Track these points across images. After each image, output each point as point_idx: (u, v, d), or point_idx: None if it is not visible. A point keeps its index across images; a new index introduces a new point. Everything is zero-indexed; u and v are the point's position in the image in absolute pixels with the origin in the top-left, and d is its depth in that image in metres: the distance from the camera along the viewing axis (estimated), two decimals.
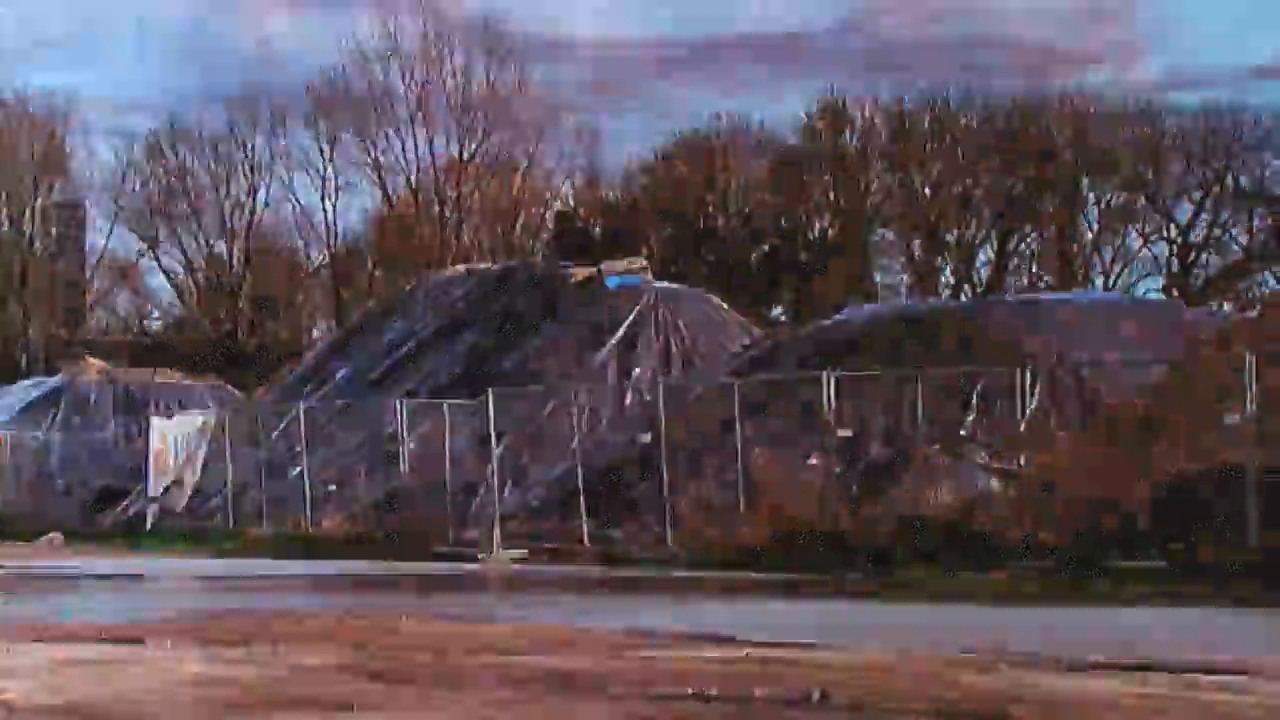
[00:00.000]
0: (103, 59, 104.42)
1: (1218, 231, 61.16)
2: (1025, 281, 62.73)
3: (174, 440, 45.17)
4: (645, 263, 46.28)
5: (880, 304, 43.41)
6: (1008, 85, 66.35)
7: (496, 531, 34.79)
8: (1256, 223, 60.54)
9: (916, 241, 65.45)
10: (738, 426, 32.39)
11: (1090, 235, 63.76)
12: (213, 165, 76.09)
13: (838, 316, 39.78)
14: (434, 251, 66.30)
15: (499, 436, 36.34)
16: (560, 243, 67.93)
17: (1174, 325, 34.56)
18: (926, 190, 65.07)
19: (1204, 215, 60.99)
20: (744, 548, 29.72)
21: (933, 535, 27.71)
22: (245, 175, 76.00)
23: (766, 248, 65.69)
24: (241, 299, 75.47)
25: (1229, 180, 60.42)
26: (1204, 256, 61.37)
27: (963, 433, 31.76)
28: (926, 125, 65.19)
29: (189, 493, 44.43)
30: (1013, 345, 32.77)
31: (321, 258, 77.09)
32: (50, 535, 43.70)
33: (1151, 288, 61.48)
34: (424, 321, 47.34)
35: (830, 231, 66.24)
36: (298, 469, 41.20)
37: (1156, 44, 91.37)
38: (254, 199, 76.30)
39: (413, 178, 72.93)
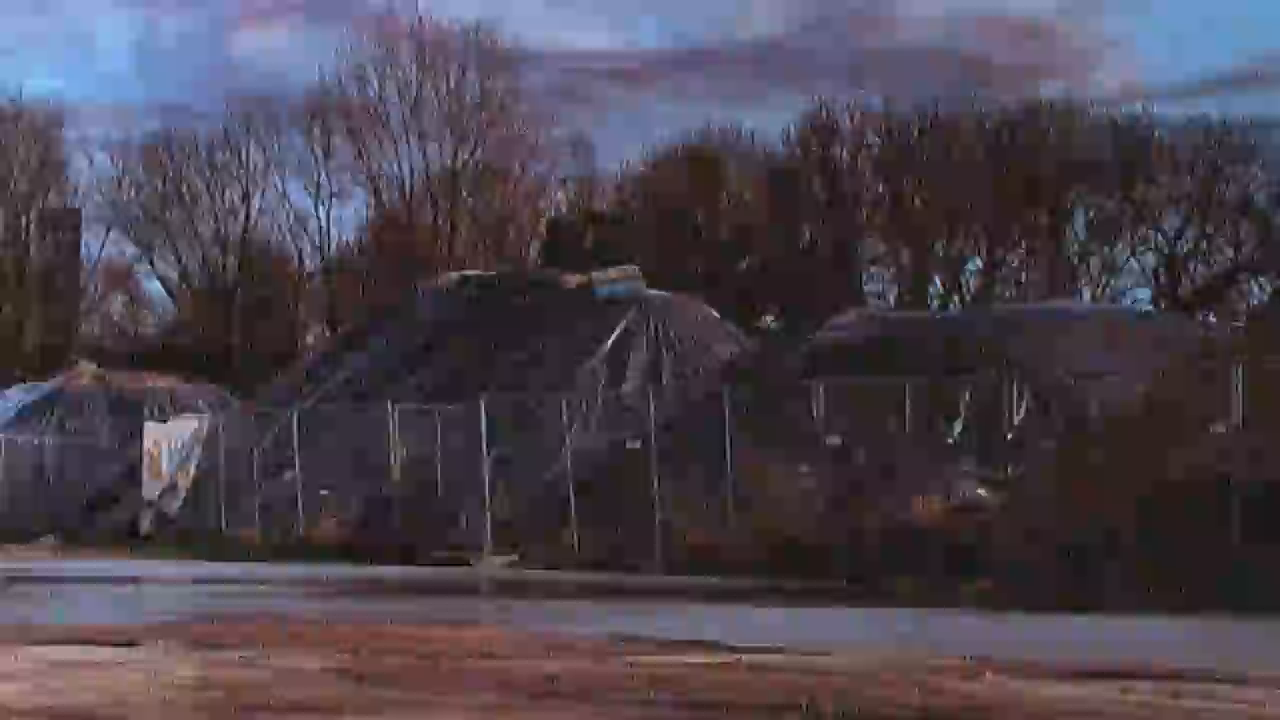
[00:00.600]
0: (99, 67, 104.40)
1: (1205, 243, 61.22)
2: (1013, 293, 62.69)
3: (168, 445, 45.26)
4: (637, 270, 46.35)
5: (870, 314, 43.45)
6: (977, 97, 66.47)
7: (487, 537, 34.95)
8: (1243, 234, 60.62)
9: (905, 252, 65.53)
10: (727, 434, 32.53)
11: (1077, 246, 63.80)
12: (208, 172, 76.27)
13: (832, 324, 39.87)
14: (427, 259, 66.33)
15: (490, 443, 36.48)
16: (552, 250, 68.00)
17: (1161, 336, 34.68)
18: (916, 201, 65.19)
19: (1191, 227, 61.05)
20: (732, 554, 29.86)
21: (920, 543, 27.84)
22: (240, 182, 76.19)
23: (757, 257, 65.78)
24: (236, 305, 75.57)
25: (1216, 192, 60.46)
26: (1191, 267, 61.43)
27: (950, 441, 31.91)
28: (916, 135, 65.27)
29: (182, 497, 44.52)
30: (1000, 356, 32.89)
31: (315, 264, 77.24)
32: (45, 538, 43.81)
33: (1139, 298, 61.56)
34: (416, 328, 47.42)
35: (820, 241, 66.41)
36: (291, 474, 41.30)
37: (1114, 54, 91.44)
38: (248, 206, 76.50)
39: (406, 185, 73.15)
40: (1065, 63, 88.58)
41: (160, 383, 57.43)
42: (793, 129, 67.80)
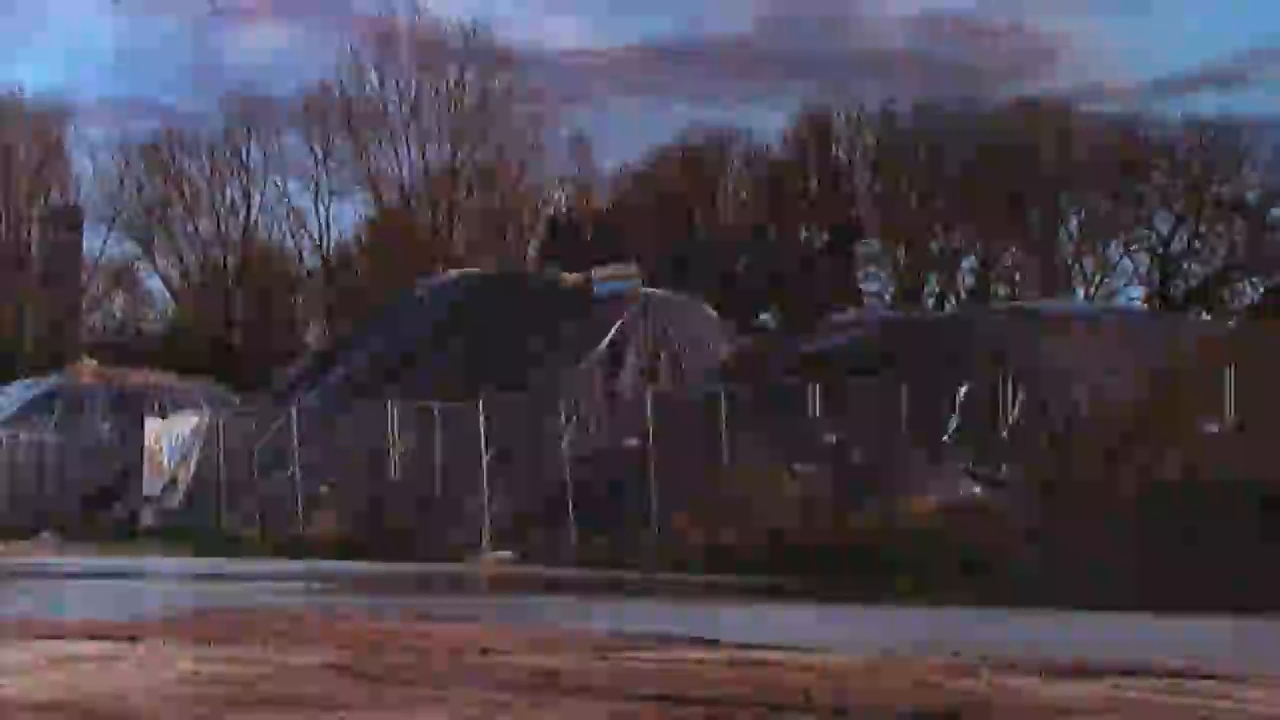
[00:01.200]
0: (101, 65, 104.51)
1: (1197, 243, 61.31)
2: (1008, 291, 62.75)
3: (168, 441, 45.39)
4: (635, 269, 46.44)
5: (866, 313, 43.60)
6: (972, 97, 66.63)
7: (485, 534, 35.06)
8: (1235, 234, 60.72)
9: (901, 250, 65.65)
10: (724, 433, 32.63)
11: (1071, 245, 63.89)
12: (208, 171, 76.48)
13: (830, 323, 39.97)
14: (426, 257, 66.43)
15: (489, 440, 36.58)
16: (551, 249, 68.10)
17: (1154, 335, 34.79)
18: (912, 200, 65.32)
19: (1185, 226, 61.14)
20: (729, 552, 29.95)
21: (917, 541, 27.94)
22: (240, 181, 76.38)
23: (755, 255, 65.85)
24: (236, 302, 75.76)
25: (1209, 191, 60.53)
26: (1185, 266, 61.53)
27: (946, 439, 32.02)
28: (912, 134, 65.36)
29: (182, 493, 44.63)
30: (996, 354, 33.01)
31: (315, 263, 77.42)
32: (45, 534, 43.89)
33: (1133, 296, 61.71)
34: (416, 326, 47.53)
35: (817, 241, 66.55)
36: (290, 470, 41.42)
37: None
38: (249, 204, 76.72)
39: (406, 184, 73.30)
40: (1043, 62, 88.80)
41: (161, 379, 57.64)
42: (788, 129, 68.09)
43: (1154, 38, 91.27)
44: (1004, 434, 31.29)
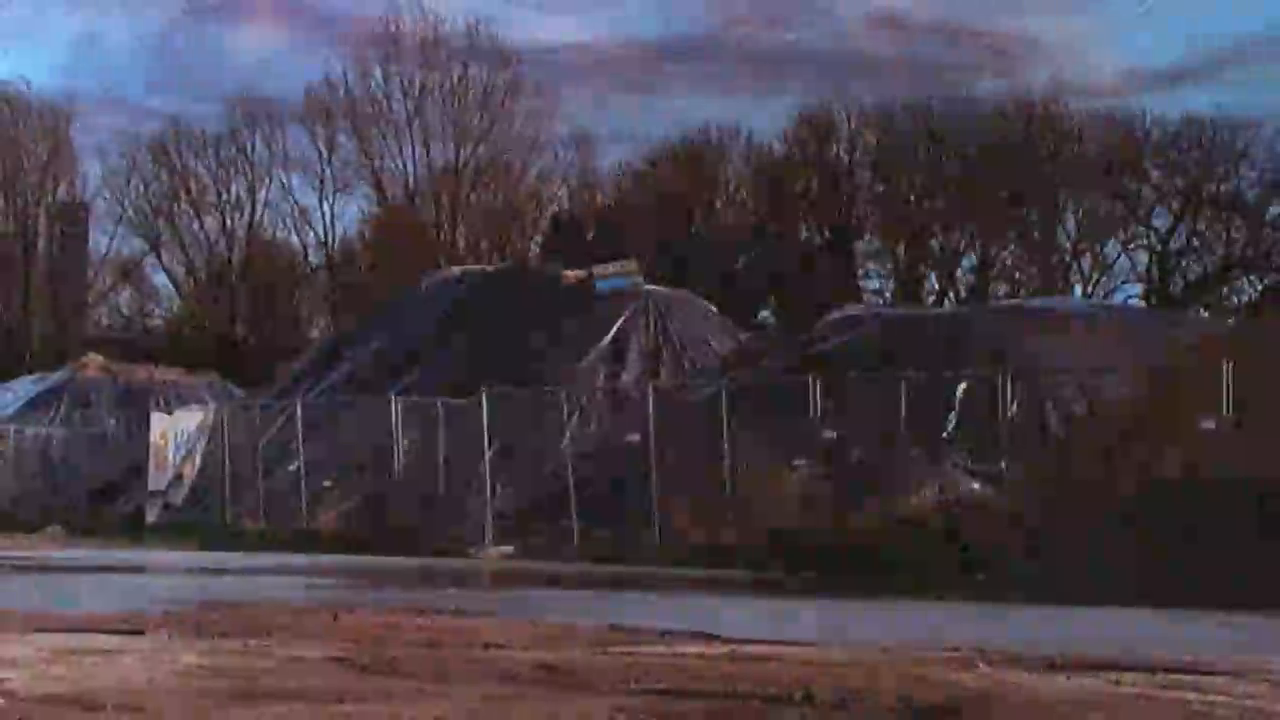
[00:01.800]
0: (108, 62, 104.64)
1: (1196, 240, 61.40)
2: (1007, 290, 62.82)
3: (174, 436, 45.50)
4: (637, 265, 46.54)
5: (866, 310, 43.60)
6: (969, 96, 66.81)
7: (488, 529, 35.18)
8: (1234, 231, 60.79)
9: (901, 249, 65.77)
10: (725, 429, 32.71)
11: (1069, 244, 63.99)
12: (214, 167, 76.75)
13: (829, 320, 40.03)
14: (429, 254, 66.58)
15: (491, 436, 36.69)
16: (553, 245, 68.21)
17: (1153, 333, 34.83)
18: (911, 198, 65.44)
19: (1183, 224, 61.22)
20: (729, 548, 30.04)
21: (916, 538, 28.02)
22: (245, 177, 76.64)
23: (755, 253, 65.95)
24: (241, 298, 75.96)
25: (1207, 189, 60.61)
26: (1183, 264, 61.63)
27: (944, 435, 32.07)
28: (911, 133, 65.46)
29: (188, 487, 44.75)
30: (996, 351, 33.05)
31: (319, 259, 77.65)
32: (51, 528, 44.03)
33: (1131, 294, 61.83)
34: (419, 323, 47.63)
35: (817, 239, 66.70)
36: (294, 466, 41.55)
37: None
38: (254, 201, 76.95)
39: (409, 181, 73.50)
40: (1035, 60, 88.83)
41: (166, 375, 57.85)
42: (788, 128, 68.22)
43: (1148, 34, 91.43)
44: (1003, 432, 31.32)
